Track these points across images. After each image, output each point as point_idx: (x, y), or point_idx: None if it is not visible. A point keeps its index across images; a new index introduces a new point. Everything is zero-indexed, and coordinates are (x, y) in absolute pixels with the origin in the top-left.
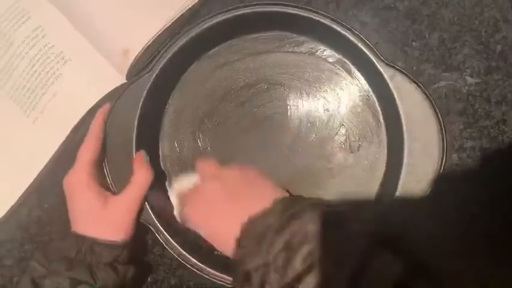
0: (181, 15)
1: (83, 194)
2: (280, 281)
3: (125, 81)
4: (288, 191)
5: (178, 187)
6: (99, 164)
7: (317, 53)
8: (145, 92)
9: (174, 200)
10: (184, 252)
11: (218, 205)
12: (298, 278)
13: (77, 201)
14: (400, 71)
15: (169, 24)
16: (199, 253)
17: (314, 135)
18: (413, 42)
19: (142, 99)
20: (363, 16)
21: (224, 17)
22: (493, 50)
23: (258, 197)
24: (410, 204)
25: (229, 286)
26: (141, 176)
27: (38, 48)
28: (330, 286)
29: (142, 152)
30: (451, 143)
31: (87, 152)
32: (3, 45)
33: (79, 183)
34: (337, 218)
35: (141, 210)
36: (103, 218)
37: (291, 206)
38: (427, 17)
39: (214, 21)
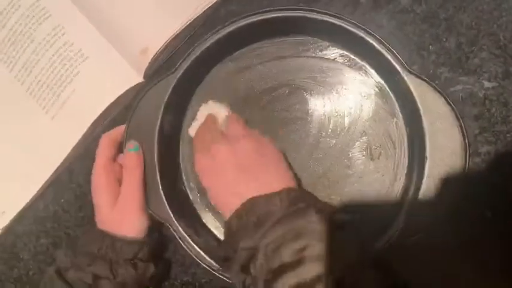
0: (199, 15)
1: (100, 192)
2: (265, 267)
3: (142, 80)
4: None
5: (205, 111)
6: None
7: (340, 59)
8: (168, 92)
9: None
10: (199, 250)
11: (228, 170)
12: (283, 269)
13: (95, 199)
14: (426, 81)
15: (188, 23)
16: (214, 252)
17: (335, 141)
18: (430, 46)
19: (165, 100)
20: (379, 19)
21: (248, 21)
22: (510, 55)
23: (267, 177)
24: (429, 209)
25: None
26: (129, 160)
27: (57, 46)
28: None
29: (131, 142)
30: None
31: (104, 150)
32: (24, 42)
33: (97, 181)
34: (336, 226)
35: (144, 195)
36: (114, 216)
37: (298, 201)
38: (444, 21)
39: (237, 25)
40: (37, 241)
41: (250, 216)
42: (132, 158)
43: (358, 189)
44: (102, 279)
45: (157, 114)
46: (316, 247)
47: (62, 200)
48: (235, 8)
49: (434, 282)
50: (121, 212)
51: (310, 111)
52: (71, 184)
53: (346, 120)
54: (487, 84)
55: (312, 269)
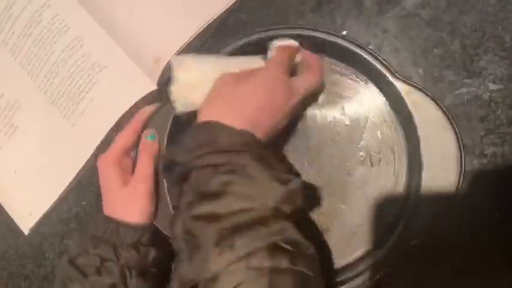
0: (209, 23)
1: (107, 176)
2: (193, 188)
3: (155, 87)
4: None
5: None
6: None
7: (334, 69)
8: (170, 118)
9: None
10: None
11: (239, 91)
12: (205, 196)
13: (102, 183)
14: (416, 87)
15: (198, 32)
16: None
17: (335, 150)
18: (435, 49)
19: (168, 124)
20: (384, 23)
21: (241, 42)
22: None
23: (248, 114)
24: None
25: None
26: (145, 146)
27: (76, 57)
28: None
29: (148, 130)
30: (472, 149)
31: (122, 139)
32: (46, 54)
33: (106, 165)
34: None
35: (157, 182)
36: (122, 196)
37: (247, 147)
38: (448, 24)
39: (231, 49)
40: (61, 241)
41: (201, 136)
42: (147, 144)
43: (361, 195)
44: (108, 261)
45: (163, 135)
46: (241, 185)
47: (84, 203)
48: (244, 16)
49: (440, 284)
50: (130, 195)
51: (308, 123)
52: (91, 187)
53: (345, 130)
54: (492, 86)
55: (229, 204)
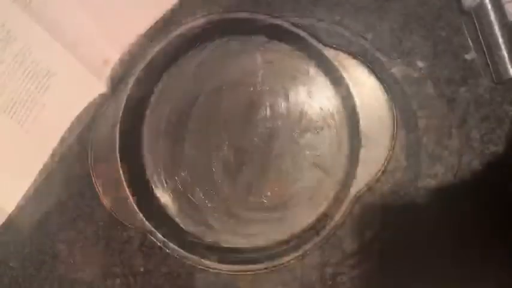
0: (157, 20)
1: None
2: None
3: (105, 89)
4: None
5: None
6: None
7: (271, 49)
8: (122, 105)
9: None
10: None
11: None
12: None
13: None
14: (340, 49)
15: (147, 30)
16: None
17: (280, 124)
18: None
19: (121, 112)
20: (320, 14)
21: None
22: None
23: None
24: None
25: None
26: None
27: (26, 65)
28: None
29: None
30: (406, 122)
31: None
32: None
33: None
34: None
35: None
36: None
37: None
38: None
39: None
40: (23, 250)
41: None
42: None
43: (313, 157)
44: None
45: (115, 131)
46: None
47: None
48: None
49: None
50: None
51: (252, 102)
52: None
53: (284, 105)
54: (420, 64)
55: None
